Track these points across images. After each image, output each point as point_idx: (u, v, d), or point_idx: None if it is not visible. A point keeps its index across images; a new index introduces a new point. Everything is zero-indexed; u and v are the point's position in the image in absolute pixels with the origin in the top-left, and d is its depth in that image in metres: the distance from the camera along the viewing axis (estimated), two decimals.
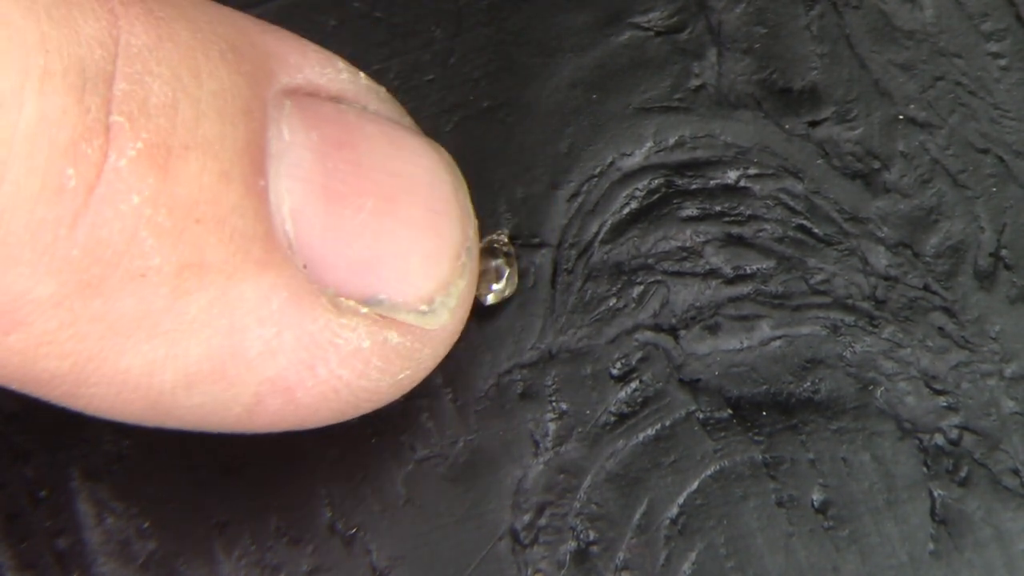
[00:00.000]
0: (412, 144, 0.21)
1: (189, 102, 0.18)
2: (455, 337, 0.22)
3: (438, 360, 0.22)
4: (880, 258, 0.25)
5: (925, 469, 0.24)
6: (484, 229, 0.24)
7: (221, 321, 0.19)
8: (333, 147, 0.20)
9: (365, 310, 0.20)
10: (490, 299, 0.24)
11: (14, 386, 0.19)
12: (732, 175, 0.25)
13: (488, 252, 0.24)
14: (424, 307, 0.21)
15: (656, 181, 0.25)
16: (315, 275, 0.20)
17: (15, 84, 0.17)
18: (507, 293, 0.24)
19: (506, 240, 0.24)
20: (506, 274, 0.24)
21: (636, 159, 0.25)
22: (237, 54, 0.19)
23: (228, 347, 0.19)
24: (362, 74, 0.22)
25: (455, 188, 0.21)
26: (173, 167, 0.18)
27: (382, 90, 0.22)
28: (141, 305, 0.18)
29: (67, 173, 0.17)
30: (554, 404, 0.24)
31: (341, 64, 0.21)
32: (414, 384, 0.22)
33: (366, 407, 0.21)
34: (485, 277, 0.24)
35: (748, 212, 0.25)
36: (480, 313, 0.24)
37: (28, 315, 0.18)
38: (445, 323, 0.21)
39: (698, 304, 0.25)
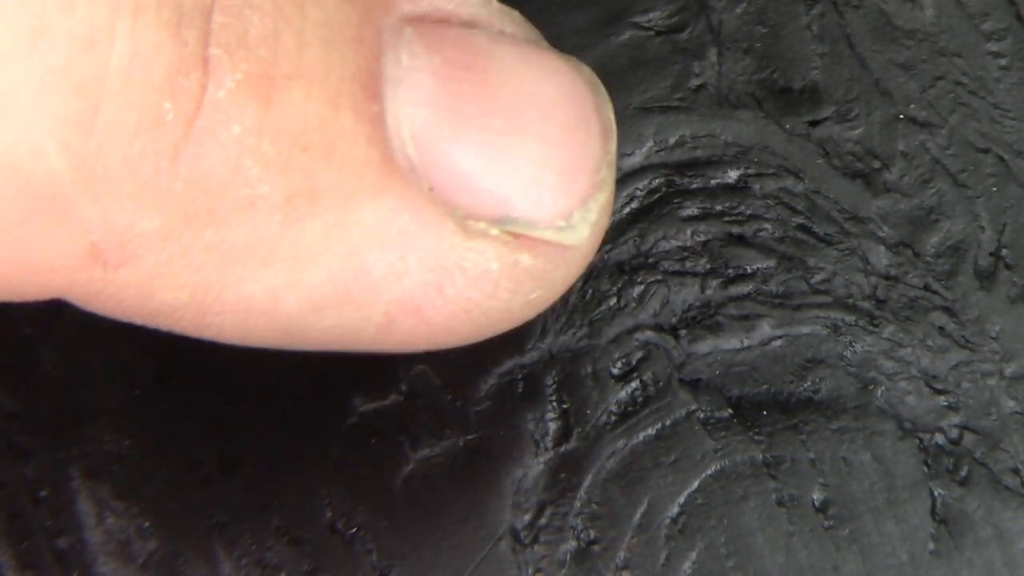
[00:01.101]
0: (547, 62, 0.21)
1: (291, 32, 0.18)
2: (591, 255, 0.21)
3: (572, 281, 0.21)
4: (880, 258, 0.25)
5: (925, 469, 0.24)
6: None
7: (339, 246, 0.19)
8: (459, 69, 0.20)
9: (496, 231, 0.20)
10: None
11: (138, 320, 0.19)
12: (732, 175, 0.25)
13: None
14: (562, 223, 0.20)
15: (656, 181, 0.25)
16: (443, 197, 0.19)
17: (105, 20, 0.17)
18: None
19: None
20: None
21: (636, 159, 0.25)
22: None
23: (350, 270, 0.19)
24: None
25: (596, 104, 0.21)
26: (276, 97, 0.18)
27: (516, 13, 0.21)
28: (254, 233, 0.18)
29: (164, 107, 0.17)
30: (554, 404, 0.24)
31: None
32: (548, 303, 0.21)
33: (501, 326, 0.21)
34: None
35: (748, 212, 0.25)
36: None
37: (137, 248, 0.18)
38: (584, 238, 0.20)
39: (698, 304, 0.25)
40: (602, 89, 0.21)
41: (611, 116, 0.21)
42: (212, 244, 0.18)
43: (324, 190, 0.18)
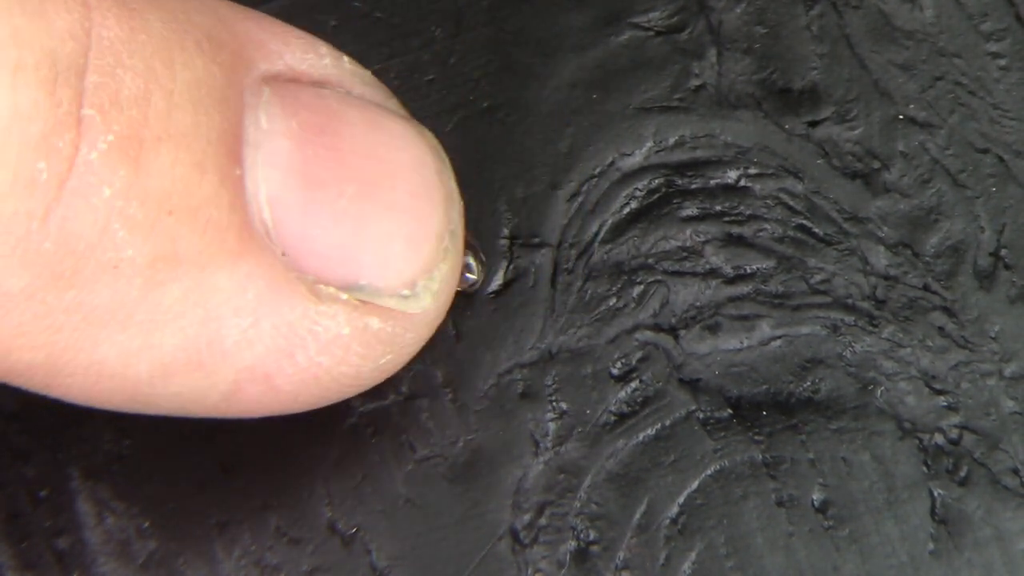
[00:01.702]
0: (395, 128, 0.21)
1: (162, 93, 0.18)
2: (438, 321, 0.22)
3: (421, 344, 0.22)
4: (880, 258, 0.25)
5: (925, 469, 0.24)
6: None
7: (196, 311, 0.19)
8: (313, 133, 0.20)
9: (345, 296, 0.20)
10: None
11: None
12: (732, 175, 0.25)
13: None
14: (406, 291, 0.21)
15: (656, 181, 0.25)
16: (294, 262, 0.20)
17: None
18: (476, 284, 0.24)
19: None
20: (474, 267, 0.24)
21: (636, 159, 0.25)
22: (214, 43, 0.19)
23: (204, 336, 0.19)
24: (346, 58, 0.21)
25: (439, 171, 0.21)
26: (145, 159, 0.18)
27: (367, 73, 0.22)
28: (115, 296, 0.18)
29: (39, 167, 0.17)
30: (554, 404, 0.24)
31: (324, 48, 0.21)
32: (397, 368, 0.22)
33: (348, 392, 0.21)
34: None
35: (748, 212, 0.25)
36: (482, 311, 0.24)
37: (2, 307, 0.18)
38: (427, 307, 0.21)
39: (698, 304, 0.25)
40: (443, 155, 0.21)
41: (453, 183, 0.21)
42: (73, 306, 0.18)
43: (185, 255, 0.18)
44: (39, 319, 0.18)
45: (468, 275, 0.24)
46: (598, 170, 0.25)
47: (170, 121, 0.18)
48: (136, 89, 0.18)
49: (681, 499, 0.24)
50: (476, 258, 0.24)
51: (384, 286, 0.20)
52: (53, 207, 0.17)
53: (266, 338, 0.19)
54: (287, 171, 0.19)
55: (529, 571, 0.24)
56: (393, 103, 0.22)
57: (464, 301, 0.24)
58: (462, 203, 0.22)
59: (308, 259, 0.20)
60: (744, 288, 0.25)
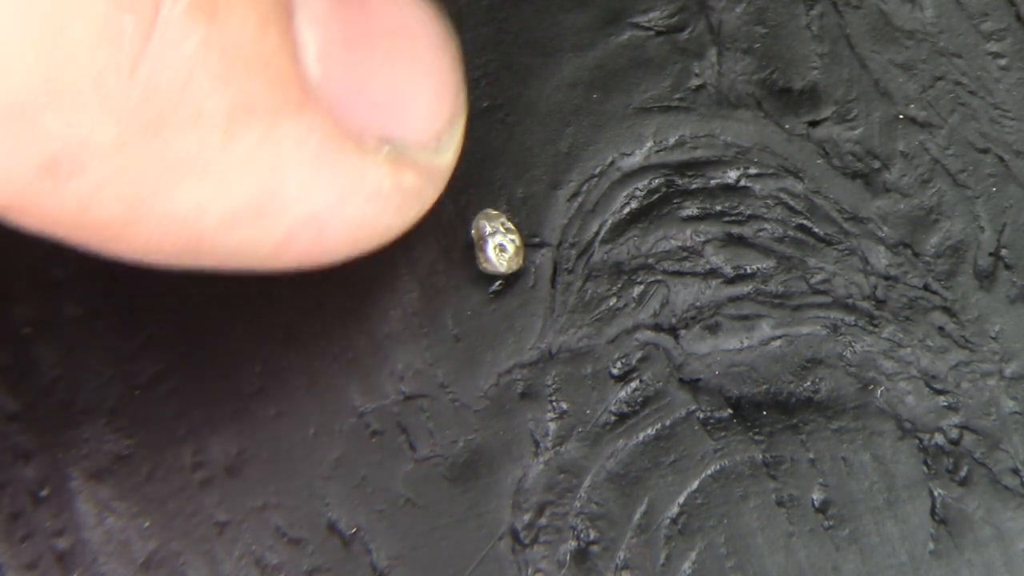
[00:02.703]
0: None
1: None
2: (447, 178, 0.23)
3: (435, 199, 0.23)
4: (880, 258, 0.25)
5: (925, 469, 0.24)
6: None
7: (265, 161, 0.20)
8: None
9: (386, 150, 0.21)
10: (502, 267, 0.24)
11: (61, 234, 0.20)
12: (732, 175, 0.25)
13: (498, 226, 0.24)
14: (434, 144, 0.22)
15: (656, 181, 0.25)
16: (341, 116, 0.21)
17: None
18: (513, 266, 0.24)
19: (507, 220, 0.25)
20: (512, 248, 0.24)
21: (636, 159, 0.25)
22: None
23: (270, 185, 0.20)
24: None
25: (444, 33, 0.22)
26: (220, 15, 0.19)
27: None
28: (196, 146, 0.19)
29: (125, 21, 0.18)
30: (554, 404, 0.24)
31: None
32: (414, 221, 0.22)
33: (379, 243, 0.22)
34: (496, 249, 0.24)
35: (748, 212, 0.25)
36: (482, 310, 0.24)
37: (91, 159, 0.18)
38: (450, 160, 0.22)
39: (698, 304, 0.25)
40: (442, 20, 0.23)
41: (454, 46, 0.22)
42: (157, 155, 0.19)
43: (258, 105, 0.19)
44: (123, 170, 0.19)
45: (500, 261, 0.24)
46: (598, 170, 0.25)
47: None
48: None
49: (681, 499, 0.24)
50: (514, 245, 0.24)
51: (416, 140, 0.22)
52: (139, 60, 0.18)
53: (323, 187, 0.20)
54: (329, 28, 0.21)
55: (529, 571, 0.24)
56: None
57: (464, 301, 0.24)
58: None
59: (352, 113, 0.21)
60: (744, 288, 0.25)
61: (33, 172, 0.18)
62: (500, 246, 0.24)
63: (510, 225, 0.24)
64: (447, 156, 0.22)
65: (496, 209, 0.25)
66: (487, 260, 0.24)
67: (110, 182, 0.19)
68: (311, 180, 0.20)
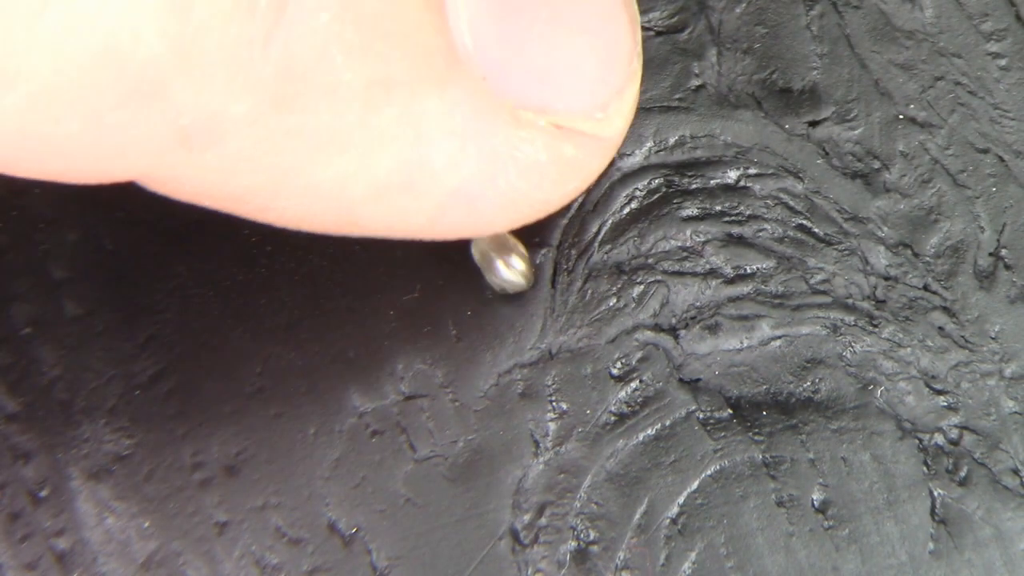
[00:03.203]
0: None
1: None
2: (619, 146, 0.22)
3: (602, 169, 0.22)
4: (880, 258, 0.25)
5: (925, 469, 0.24)
6: None
7: (408, 134, 0.19)
8: None
9: (543, 122, 0.20)
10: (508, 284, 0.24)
11: (208, 203, 0.20)
12: (732, 175, 0.25)
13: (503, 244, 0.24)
14: (600, 114, 0.21)
15: (656, 181, 0.25)
16: (495, 87, 0.20)
17: None
18: (522, 282, 0.24)
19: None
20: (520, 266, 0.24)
21: (636, 159, 0.25)
22: None
23: (415, 159, 0.20)
24: None
25: None
26: None
27: None
28: (334, 120, 0.19)
29: None
30: (554, 404, 0.24)
31: None
32: (580, 192, 0.22)
33: (538, 215, 0.22)
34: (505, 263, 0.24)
35: (748, 212, 0.25)
36: (482, 310, 0.24)
37: (225, 132, 0.18)
38: (619, 129, 0.21)
39: (698, 304, 0.25)
40: None
41: (635, 6, 0.22)
42: (294, 129, 0.18)
43: (398, 78, 0.19)
44: (261, 142, 0.18)
45: (515, 276, 0.24)
46: None
47: None
48: None
49: (681, 499, 0.24)
50: (522, 258, 0.24)
51: (580, 109, 0.21)
52: (273, 32, 0.18)
53: (472, 162, 0.20)
54: None
55: (529, 571, 0.24)
56: None
57: (464, 301, 0.24)
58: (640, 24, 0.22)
59: (507, 84, 0.20)
60: (744, 288, 0.25)
61: (168, 142, 0.18)
62: (508, 263, 0.24)
63: (513, 241, 0.24)
64: (615, 125, 0.21)
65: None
66: (501, 280, 0.24)
67: (248, 154, 0.18)
68: (459, 153, 0.20)
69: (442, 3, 0.19)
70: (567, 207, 0.25)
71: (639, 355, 0.25)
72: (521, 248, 0.24)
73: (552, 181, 0.21)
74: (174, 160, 0.18)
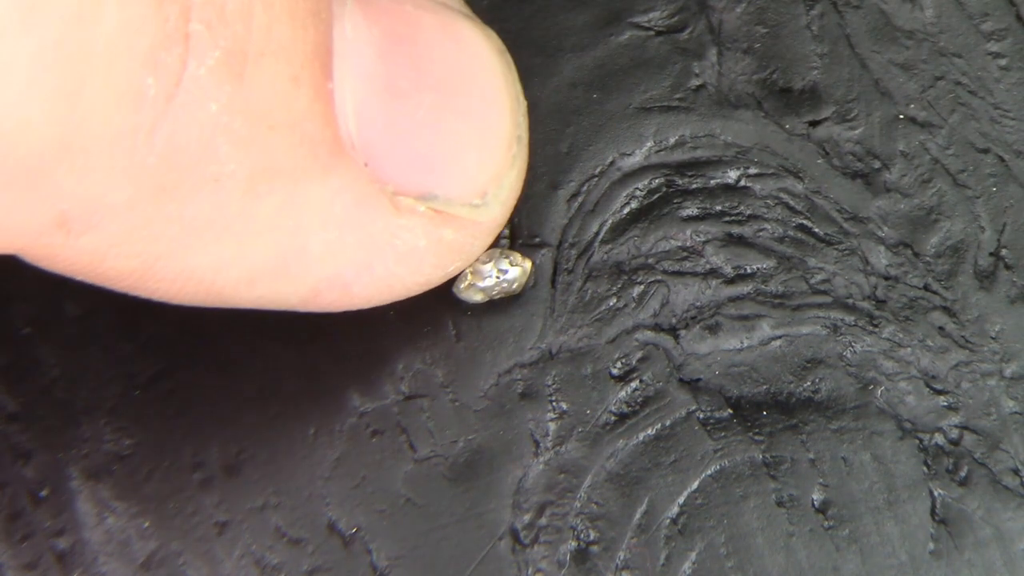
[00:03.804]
0: (466, 32, 0.21)
1: (263, 6, 0.18)
2: (500, 228, 0.22)
3: (484, 249, 0.22)
4: (880, 258, 0.25)
5: (925, 469, 0.24)
6: None
7: (287, 223, 0.19)
8: (393, 42, 0.20)
9: (423, 208, 0.21)
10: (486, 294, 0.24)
11: (80, 278, 0.20)
12: (732, 175, 0.25)
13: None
14: (477, 200, 0.21)
15: (656, 181, 0.25)
16: (376, 173, 0.20)
17: None
18: (514, 287, 0.24)
19: (506, 234, 0.25)
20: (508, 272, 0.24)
21: (636, 159, 0.25)
22: None
23: (292, 247, 0.20)
24: None
25: (505, 75, 0.21)
26: (248, 74, 0.18)
27: None
28: (214, 209, 0.19)
29: (147, 82, 0.17)
30: (554, 404, 0.24)
31: None
32: (459, 271, 0.22)
33: (416, 293, 0.22)
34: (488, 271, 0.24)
35: (748, 212, 0.25)
36: (482, 310, 0.24)
37: (102, 218, 0.18)
38: (495, 215, 0.22)
39: (698, 304, 0.25)
40: (509, 58, 0.22)
41: (518, 87, 0.22)
42: (172, 217, 0.18)
43: (282, 168, 0.19)
44: (138, 229, 0.18)
45: (508, 279, 0.24)
46: (598, 170, 0.25)
47: (271, 35, 0.18)
48: (240, 3, 0.18)
49: (681, 499, 0.24)
50: (512, 262, 0.24)
51: (458, 195, 0.21)
52: (160, 122, 0.17)
53: (348, 250, 0.20)
54: (371, 82, 0.20)
55: (529, 571, 0.24)
56: (458, 3, 0.22)
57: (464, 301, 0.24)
58: (526, 105, 0.22)
59: (389, 170, 0.20)
60: (744, 288, 0.25)
61: (46, 225, 0.18)
62: (500, 270, 0.24)
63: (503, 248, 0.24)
64: (492, 211, 0.21)
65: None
66: (488, 288, 0.24)
67: (123, 240, 0.18)
68: (336, 241, 0.20)
69: (331, 92, 0.19)
70: (567, 207, 0.25)
71: (639, 355, 0.25)
72: (513, 256, 0.24)
73: (431, 265, 0.21)
74: (51, 242, 0.18)
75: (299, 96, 0.19)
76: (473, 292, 0.24)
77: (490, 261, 0.24)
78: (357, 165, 0.20)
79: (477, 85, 0.21)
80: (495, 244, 0.24)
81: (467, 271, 0.24)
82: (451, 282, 0.24)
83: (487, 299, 0.24)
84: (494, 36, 0.22)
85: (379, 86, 0.20)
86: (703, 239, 0.25)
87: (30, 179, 0.17)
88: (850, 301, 0.25)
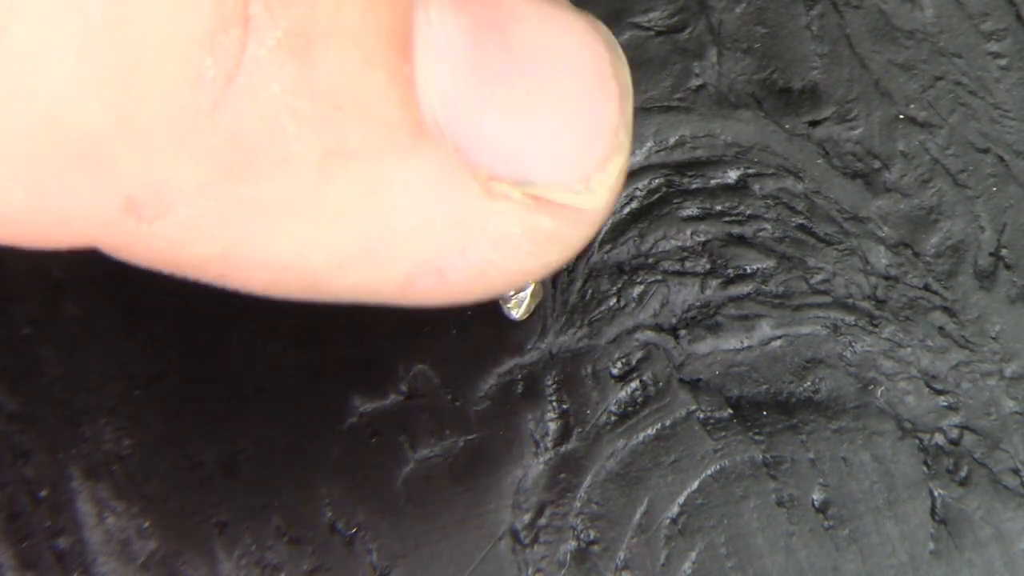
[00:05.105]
0: (567, 22, 0.21)
1: None
2: (606, 218, 0.22)
3: (587, 242, 0.22)
4: (880, 258, 0.25)
5: (925, 469, 0.24)
6: None
7: (370, 205, 0.19)
8: (483, 29, 0.20)
9: (517, 194, 0.20)
10: (515, 313, 0.24)
11: (168, 270, 0.19)
12: (732, 175, 0.25)
13: None
14: (580, 186, 0.21)
15: (656, 180, 0.25)
16: (467, 158, 0.20)
17: None
18: (534, 302, 0.24)
19: None
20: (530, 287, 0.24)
21: (636, 159, 0.25)
22: None
23: (377, 231, 0.19)
24: None
25: (612, 63, 0.21)
26: (313, 55, 0.18)
27: None
28: (287, 190, 0.18)
29: (205, 63, 0.17)
30: (554, 404, 0.24)
31: None
32: (562, 264, 0.22)
33: (517, 284, 0.21)
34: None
35: (748, 212, 0.25)
36: (482, 311, 0.24)
37: (172, 202, 0.18)
38: (602, 202, 0.21)
39: (698, 304, 0.25)
40: (619, 48, 0.21)
41: (628, 77, 0.21)
42: (245, 200, 0.18)
43: (356, 149, 0.19)
44: (210, 213, 0.18)
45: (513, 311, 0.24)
46: None
47: (338, 17, 0.18)
48: None
49: (681, 499, 0.24)
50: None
51: (559, 181, 0.20)
52: (221, 103, 0.17)
53: (438, 233, 0.20)
54: (458, 67, 0.20)
55: (529, 571, 0.24)
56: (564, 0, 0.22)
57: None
58: (632, 96, 0.22)
59: (481, 155, 0.20)
60: (744, 288, 0.25)
61: (114, 211, 0.18)
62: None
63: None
64: (598, 198, 0.21)
65: None
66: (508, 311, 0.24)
67: (198, 224, 0.18)
68: (424, 224, 0.19)
69: (410, 75, 0.19)
70: None
71: (639, 355, 0.25)
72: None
73: (527, 253, 0.21)
74: (124, 229, 0.18)
75: (371, 78, 0.19)
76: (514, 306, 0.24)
77: None
78: (444, 149, 0.19)
79: (577, 73, 0.20)
80: None
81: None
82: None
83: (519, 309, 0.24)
84: (603, 28, 0.21)
85: (468, 72, 0.20)
86: (703, 239, 0.25)
87: (90, 164, 0.17)
88: (850, 301, 0.25)
